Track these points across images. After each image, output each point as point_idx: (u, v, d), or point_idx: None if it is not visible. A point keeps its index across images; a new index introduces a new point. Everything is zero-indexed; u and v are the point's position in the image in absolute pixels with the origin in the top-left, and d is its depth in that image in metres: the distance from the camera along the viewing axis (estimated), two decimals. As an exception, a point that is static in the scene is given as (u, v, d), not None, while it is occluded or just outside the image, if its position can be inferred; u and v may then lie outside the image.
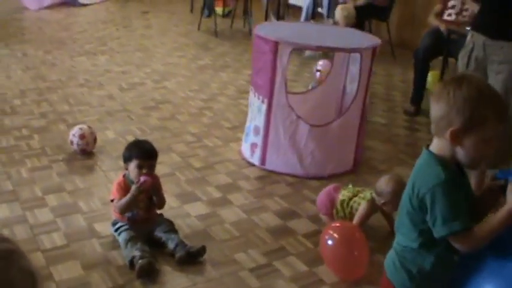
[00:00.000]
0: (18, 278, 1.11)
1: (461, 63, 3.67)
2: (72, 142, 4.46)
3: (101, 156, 4.46)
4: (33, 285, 1.15)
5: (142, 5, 11.13)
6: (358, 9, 7.18)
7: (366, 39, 4.35)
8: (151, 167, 3.33)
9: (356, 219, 3.47)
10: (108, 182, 4.00)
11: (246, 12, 9.12)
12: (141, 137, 4.56)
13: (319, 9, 8.51)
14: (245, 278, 3.12)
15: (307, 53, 7.34)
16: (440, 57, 5.75)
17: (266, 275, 3.17)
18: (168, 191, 3.89)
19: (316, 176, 4.23)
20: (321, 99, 4.79)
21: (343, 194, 3.54)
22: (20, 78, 6.23)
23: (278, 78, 4.07)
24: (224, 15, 9.86)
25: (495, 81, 3.44)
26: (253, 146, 4.38)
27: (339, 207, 3.53)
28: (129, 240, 3.18)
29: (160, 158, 4.03)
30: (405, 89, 6.53)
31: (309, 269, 3.24)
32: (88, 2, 10.59)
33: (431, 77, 5.96)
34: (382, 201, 3.40)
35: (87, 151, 4.46)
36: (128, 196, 3.25)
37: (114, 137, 4.82)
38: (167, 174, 4.19)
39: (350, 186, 3.65)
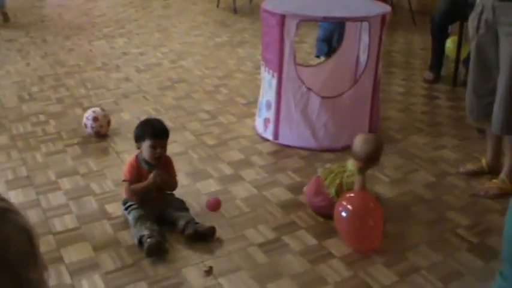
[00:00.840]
0: (13, 235, 1.11)
1: (471, 27, 3.58)
2: (86, 125, 4.49)
3: (115, 138, 4.48)
4: (29, 242, 1.15)
5: (162, -15, 11.06)
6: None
7: (375, 7, 4.25)
8: (164, 147, 3.33)
9: None
10: (122, 163, 4.02)
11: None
12: (156, 117, 4.58)
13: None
14: (253, 253, 3.11)
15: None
16: (458, 22, 5.56)
17: (275, 250, 3.15)
18: (181, 169, 3.90)
19: (330, 148, 4.19)
20: (334, 70, 4.74)
21: (329, 181, 3.38)
22: (39, 65, 6.28)
23: (286, 51, 4.03)
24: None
25: (507, 43, 3.34)
26: (266, 121, 4.35)
27: (333, 193, 3.36)
28: (139, 219, 3.20)
29: (174, 137, 4.14)
30: (425, 56, 6.40)
31: (318, 243, 3.21)
32: (109, -14, 10.55)
33: (450, 42, 5.83)
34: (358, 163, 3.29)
35: (101, 133, 4.48)
36: (143, 185, 3.28)
37: (129, 119, 4.83)
38: (180, 153, 4.19)
39: (322, 169, 3.53)
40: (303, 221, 3.41)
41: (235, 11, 8.68)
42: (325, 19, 4.11)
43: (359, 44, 4.55)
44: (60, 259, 3.07)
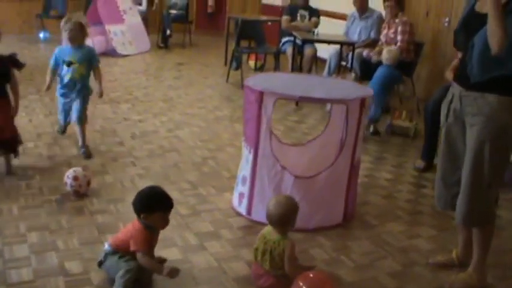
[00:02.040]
0: None
1: (442, 114, 3.57)
2: (66, 183, 4.54)
3: (93, 199, 4.51)
4: None
5: (179, 57, 11.33)
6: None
7: (355, 90, 4.28)
8: None
9: (291, 264, 3.35)
10: (92, 224, 4.12)
11: (276, 67, 9.15)
12: (137, 183, 4.64)
13: (343, 63, 8.48)
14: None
15: (329, 106, 7.27)
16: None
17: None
18: (148, 236, 3.84)
19: (301, 228, 4.11)
20: (319, 150, 4.71)
21: (260, 258, 3.41)
22: (40, 122, 6.39)
23: (263, 128, 4.05)
24: (256, 69, 9.94)
25: (470, 133, 3.32)
26: (241, 195, 4.34)
27: (269, 267, 3.36)
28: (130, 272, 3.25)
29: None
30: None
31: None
32: (127, 53, 10.81)
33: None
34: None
35: (80, 193, 4.52)
36: (154, 266, 3.37)
37: (111, 182, 4.87)
38: (151, 219, 4.14)
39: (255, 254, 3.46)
40: (255, 298, 3.31)
41: (242, 86, 8.76)
42: (301, 99, 4.12)
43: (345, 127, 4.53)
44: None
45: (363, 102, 4.07)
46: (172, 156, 5.63)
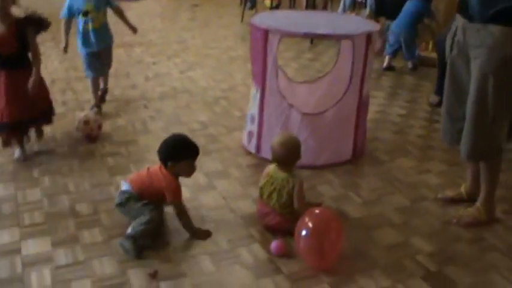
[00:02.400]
0: None
1: (446, 47, 3.51)
2: (77, 128, 4.55)
3: (104, 142, 4.56)
4: None
5: (195, -2, 11.24)
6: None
7: (362, 26, 4.22)
8: None
9: (300, 201, 3.36)
10: (104, 167, 4.18)
11: (292, 5, 9.03)
12: (149, 125, 4.73)
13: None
14: (202, 262, 3.13)
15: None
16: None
17: (224, 261, 3.15)
18: (158, 177, 3.89)
19: (310, 165, 4.14)
20: (329, 87, 4.68)
21: (266, 196, 3.40)
22: (55, 69, 6.43)
23: (269, 66, 4.02)
24: (271, 8, 9.81)
25: (473, 66, 3.27)
26: (250, 134, 4.34)
27: (276, 205, 3.36)
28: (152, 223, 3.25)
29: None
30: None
31: (269, 257, 3.19)
32: (142, -3, 10.76)
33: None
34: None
35: (91, 137, 4.57)
36: (189, 223, 3.39)
37: (123, 124, 4.92)
38: (161, 160, 4.18)
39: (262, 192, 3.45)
40: (260, 235, 3.38)
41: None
42: (305, 35, 4.07)
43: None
44: (17, 251, 3.16)
45: (369, 37, 4.01)
46: (184, 97, 5.64)
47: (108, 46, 5.24)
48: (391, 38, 6.95)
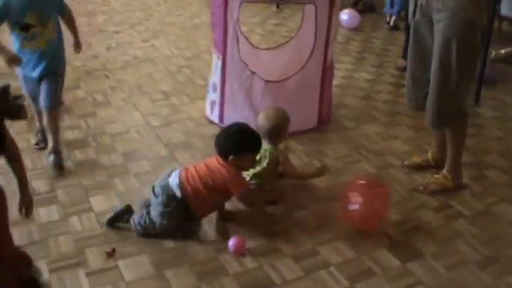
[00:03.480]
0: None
1: (409, 11, 3.41)
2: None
3: (63, 115, 4.36)
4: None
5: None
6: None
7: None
8: None
9: (290, 172, 3.41)
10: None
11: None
12: (109, 96, 4.62)
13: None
14: (161, 239, 3.02)
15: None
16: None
17: (185, 237, 3.07)
18: (118, 149, 3.84)
19: (274, 135, 4.00)
20: (293, 53, 4.56)
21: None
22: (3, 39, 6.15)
23: (230, 33, 3.89)
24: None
25: (436, 30, 3.18)
26: (213, 103, 4.23)
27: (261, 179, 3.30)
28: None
29: (121, 117, 4.26)
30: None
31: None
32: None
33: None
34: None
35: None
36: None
37: (83, 96, 4.78)
38: (121, 132, 4.13)
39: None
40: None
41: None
42: (264, 1, 3.93)
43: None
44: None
45: (332, 2, 3.87)
46: (147, 66, 5.49)
47: (56, 73, 3.71)
48: None
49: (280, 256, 2.90)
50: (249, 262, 2.85)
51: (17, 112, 2.22)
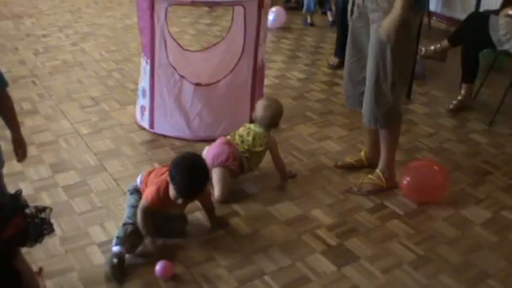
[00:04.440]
0: None
1: (348, 10, 3.39)
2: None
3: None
4: None
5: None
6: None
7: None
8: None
9: (279, 158, 3.63)
10: None
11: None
12: (36, 104, 4.50)
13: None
14: (91, 253, 2.92)
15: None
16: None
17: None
18: (45, 160, 3.70)
19: (206, 138, 3.96)
20: (223, 55, 4.50)
21: (242, 146, 3.50)
22: None
23: (157, 37, 3.80)
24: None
25: (371, 30, 3.16)
26: (143, 108, 4.14)
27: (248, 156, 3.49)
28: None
29: (48, 125, 4.12)
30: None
31: (165, 243, 2.99)
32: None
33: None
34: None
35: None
36: (147, 231, 2.94)
37: (8, 105, 4.53)
38: (49, 142, 4.00)
39: (233, 136, 3.57)
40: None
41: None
42: (193, 4, 3.85)
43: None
44: None
45: (261, 2, 3.83)
46: (76, 71, 5.35)
47: None
48: None
49: (214, 266, 2.83)
50: (182, 273, 2.77)
51: (39, 235, 1.78)
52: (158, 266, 2.76)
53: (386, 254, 2.99)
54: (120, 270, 2.76)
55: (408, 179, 3.39)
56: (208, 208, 3.12)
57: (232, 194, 3.41)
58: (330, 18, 7.12)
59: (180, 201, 2.81)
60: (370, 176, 3.54)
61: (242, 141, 3.45)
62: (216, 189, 3.33)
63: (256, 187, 3.53)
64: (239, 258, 2.91)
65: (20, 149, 2.68)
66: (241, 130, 3.52)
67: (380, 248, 3.03)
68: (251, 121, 3.74)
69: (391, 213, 3.33)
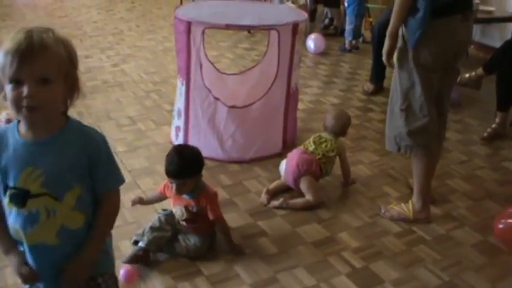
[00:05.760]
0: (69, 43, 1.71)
1: None
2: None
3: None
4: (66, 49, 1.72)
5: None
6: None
7: (288, 15, 4.12)
8: (180, 186, 3.02)
9: (346, 160, 3.87)
10: None
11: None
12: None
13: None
14: (120, 267, 2.93)
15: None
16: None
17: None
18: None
19: (238, 160, 4.03)
20: (258, 79, 4.57)
21: (316, 153, 3.72)
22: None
23: (193, 59, 3.89)
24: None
25: None
26: (177, 129, 4.22)
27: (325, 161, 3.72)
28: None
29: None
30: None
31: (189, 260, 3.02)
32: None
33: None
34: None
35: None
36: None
37: (48, 122, 4.67)
38: (85, 159, 4.02)
39: (306, 145, 3.78)
40: (181, 236, 3.23)
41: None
42: (228, 27, 3.94)
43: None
44: None
45: (295, 27, 3.90)
46: (115, 91, 5.47)
47: None
48: (348, 21, 6.96)
49: (238, 284, 2.88)
50: (201, 291, 2.80)
51: None
52: (122, 271, 2.81)
53: (411, 278, 2.99)
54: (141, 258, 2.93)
55: (505, 222, 3.26)
56: (223, 232, 3.17)
57: (260, 214, 3.44)
58: (353, 44, 7.20)
59: (173, 186, 2.96)
60: (402, 203, 3.54)
61: (316, 149, 3.65)
62: (309, 195, 3.58)
63: (286, 209, 3.54)
64: (264, 276, 2.94)
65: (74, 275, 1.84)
66: (312, 139, 3.73)
67: (405, 272, 3.03)
68: (284, 142, 3.81)
69: (418, 238, 3.33)
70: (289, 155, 3.69)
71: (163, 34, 7.62)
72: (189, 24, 3.82)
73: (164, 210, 3.17)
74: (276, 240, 3.25)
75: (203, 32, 3.85)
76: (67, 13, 8.73)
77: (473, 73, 5.07)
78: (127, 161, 4.07)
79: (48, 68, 1.64)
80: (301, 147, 3.71)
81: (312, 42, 6.79)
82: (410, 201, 3.49)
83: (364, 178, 3.97)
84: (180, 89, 4.09)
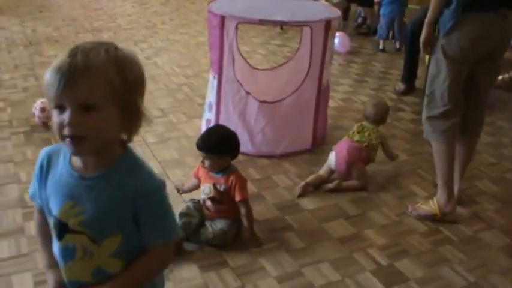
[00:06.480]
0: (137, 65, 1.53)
1: None
2: (34, 115, 4.45)
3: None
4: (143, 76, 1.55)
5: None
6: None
7: (321, 12, 4.14)
8: (211, 161, 3.13)
9: (388, 144, 4.06)
10: None
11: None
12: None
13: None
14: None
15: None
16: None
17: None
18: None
19: (268, 154, 4.06)
20: (289, 75, 4.60)
21: (362, 141, 3.87)
22: (19, 54, 6.29)
23: (225, 53, 3.92)
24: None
25: None
26: (208, 122, 4.26)
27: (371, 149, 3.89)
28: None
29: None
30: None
31: (216, 250, 3.06)
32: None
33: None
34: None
35: (48, 124, 4.42)
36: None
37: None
38: (116, 149, 4.09)
39: (351, 136, 3.91)
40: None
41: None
42: (261, 22, 3.97)
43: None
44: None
45: (328, 24, 3.92)
46: (148, 83, 5.41)
47: None
48: (382, 21, 6.94)
49: (264, 276, 2.90)
50: (233, 281, 2.85)
51: None
52: None
53: (436, 277, 2.99)
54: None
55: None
56: (247, 217, 3.18)
57: (288, 208, 3.48)
58: (397, 46, 7.22)
59: (204, 162, 3.08)
60: (430, 200, 3.54)
61: (361, 137, 3.79)
62: (361, 181, 3.80)
63: (312, 203, 3.56)
64: (289, 270, 2.97)
65: None
66: (355, 128, 3.86)
67: (430, 271, 3.04)
68: (314, 139, 3.87)
69: (445, 238, 3.33)
70: (337, 146, 3.83)
71: (197, 28, 7.67)
72: (222, 19, 3.85)
73: (192, 199, 3.21)
74: (302, 234, 3.27)
75: (236, 27, 3.87)
76: (102, 5, 8.84)
77: (507, 75, 5.04)
78: (157, 152, 4.13)
79: (92, 92, 1.41)
80: (346, 138, 3.84)
81: (337, 39, 6.74)
82: (435, 198, 3.48)
83: (392, 177, 3.98)
84: (212, 82, 4.13)
